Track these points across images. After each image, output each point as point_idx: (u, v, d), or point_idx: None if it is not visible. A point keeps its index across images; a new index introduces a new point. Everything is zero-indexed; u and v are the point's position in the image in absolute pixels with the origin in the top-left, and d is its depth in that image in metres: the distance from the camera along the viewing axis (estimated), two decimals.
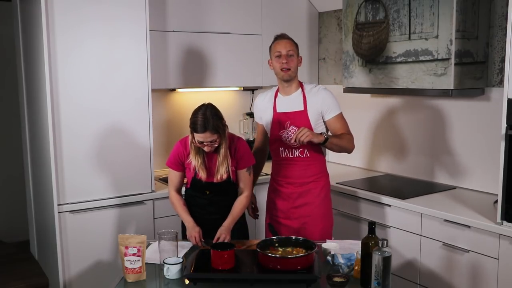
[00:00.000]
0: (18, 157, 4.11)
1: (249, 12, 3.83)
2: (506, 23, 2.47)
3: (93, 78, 2.98)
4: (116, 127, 3.07)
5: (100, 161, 3.04)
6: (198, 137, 2.38)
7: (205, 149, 2.43)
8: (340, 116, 2.72)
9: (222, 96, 4.08)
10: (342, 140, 2.66)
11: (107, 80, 3.02)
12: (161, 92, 3.78)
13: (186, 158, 2.54)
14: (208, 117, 2.36)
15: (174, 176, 2.62)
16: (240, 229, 2.64)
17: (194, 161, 2.49)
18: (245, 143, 2.61)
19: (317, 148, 2.72)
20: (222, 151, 2.47)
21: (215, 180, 2.52)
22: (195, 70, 3.63)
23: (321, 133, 2.59)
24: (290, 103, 2.74)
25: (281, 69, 2.68)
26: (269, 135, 2.82)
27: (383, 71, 3.30)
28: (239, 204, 2.57)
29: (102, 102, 3.01)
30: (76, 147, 2.96)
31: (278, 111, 2.76)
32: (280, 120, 2.74)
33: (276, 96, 2.80)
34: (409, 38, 3.12)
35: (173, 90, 3.80)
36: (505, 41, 2.50)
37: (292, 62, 2.68)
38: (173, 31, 3.50)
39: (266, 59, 3.90)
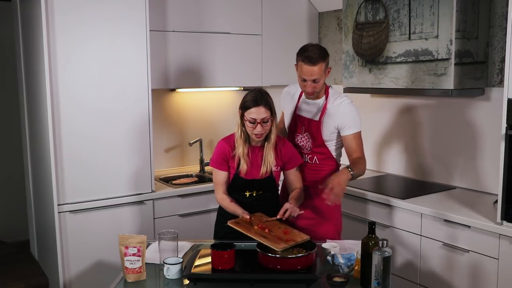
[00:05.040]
0: (18, 157, 4.11)
1: (249, 12, 3.83)
2: (506, 23, 2.47)
3: (93, 78, 2.98)
4: (116, 127, 3.07)
5: (100, 161, 3.04)
6: (252, 113, 2.37)
7: (257, 129, 2.39)
8: (358, 135, 2.60)
9: (222, 96, 4.09)
10: (360, 170, 2.57)
11: (107, 80, 3.02)
12: (161, 92, 3.78)
13: (231, 156, 2.51)
14: (261, 93, 2.41)
15: (220, 176, 2.54)
16: (275, 207, 2.57)
17: (240, 150, 2.46)
18: (290, 143, 2.63)
19: (329, 155, 2.69)
20: (272, 137, 2.46)
21: (260, 175, 2.50)
22: (195, 70, 3.63)
23: (348, 169, 2.46)
24: (310, 109, 2.69)
25: (305, 92, 2.62)
26: (287, 130, 2.80)
27: (383, 71, 3.30)
28: (295, 192, 2.56)
29: (102, 102, 3.01)
30: (76, 147, 2.96)
31: (297, 112, 2.73)
32: (296, 122, 2.71)
33: (300, 95, 2.75)
34: (409, 38, 3.12)
35: (173, 90, 3.80)
36: (505, 41, 2.50)
37: (318, 86, 2.58)
38: (173, 31, 3.50)
39: (266, 59, 3.94)
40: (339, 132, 2.64)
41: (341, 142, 2.69)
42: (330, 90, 2.67)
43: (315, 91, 2.59)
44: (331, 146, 2.67)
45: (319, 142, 2.66)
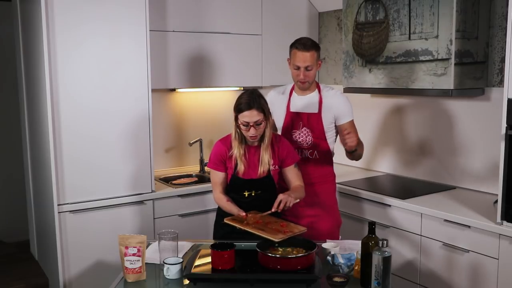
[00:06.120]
0: (18, 157, 4.11)
1: (249, 12, 3.83)
2: (506, 23, 2.47)
3: (93, 78, 2.98)
4: (116, 127, 3.07)
5: (100, 161, 3.04)
6: (245, 116, 2.37)
7: (251, 132, 2.39)
8: (352, 123, 2.74)
9: (222, 96, 4.08)
10: (362, 149, 2.72)
11: (107, 80, 3.02)
12: (161, 92, 3.78)
13: (228, 157, 2.51)
14: (254, 96, 2.41)
15: (217, 177, 2.55)
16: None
17: (236, 151, 2.46)
18: (286, 140, 2.64)
19: (327, 149, 2.74)
20: (266, 139, 2.46)
21: (257, 174, 2.50)
22: (195, 70, 3.63)
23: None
24: (305, 103, 2.74)
25: (298, 81, 2.68)
26: (279, 132, 2.80)
27: (383, 71, 3.30)
28: (294, 187, 2.53)
29: (102, 102, 3.01)
30: (76, 147, 2.96)
31: (291, 110, 2.76)
32: (293, 120, 2.74)
33: (291, 94, 2.79)
34: (409, 38, 3.12)
35: (173, 90, 3.80)
36: (505, 41, 2.50)
37: (310, 74, 2.65)
38: (173, 31, 3.50)
39: (266, 59, 3.93)
40: (334, 124, 2.73)
41: (335, 135, 2.77)
42: (320, 85, 2.78)
43: (307, 80, 2.66)
44: (329, 138, 2.74)
45: (319, 134, 2.71)
